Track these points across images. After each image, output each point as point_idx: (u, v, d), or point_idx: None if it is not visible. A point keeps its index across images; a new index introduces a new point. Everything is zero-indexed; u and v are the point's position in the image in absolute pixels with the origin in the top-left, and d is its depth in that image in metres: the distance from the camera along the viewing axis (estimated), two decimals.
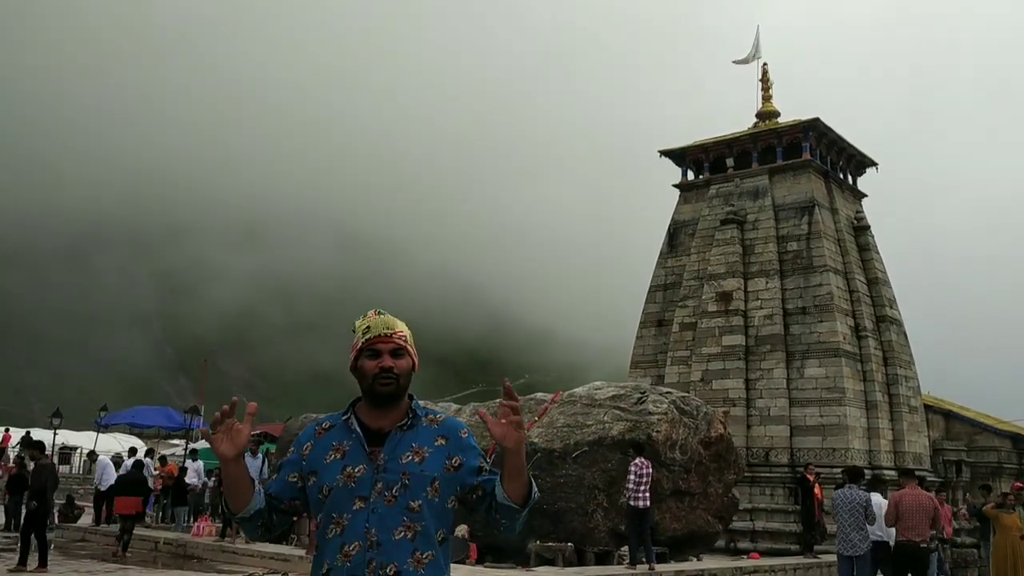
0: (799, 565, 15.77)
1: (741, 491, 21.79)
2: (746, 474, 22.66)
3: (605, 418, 14.98)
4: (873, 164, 29.04)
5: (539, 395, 16.85)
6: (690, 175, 28.53)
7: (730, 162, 27.39)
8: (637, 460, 13.10)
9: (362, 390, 2.89)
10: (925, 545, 11.09)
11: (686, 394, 16.73)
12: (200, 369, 48.48)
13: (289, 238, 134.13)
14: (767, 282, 24.94)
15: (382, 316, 2.92)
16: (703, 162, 28.17)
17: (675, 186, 28.65)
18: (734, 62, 29.60)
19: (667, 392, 15.89)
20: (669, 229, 28.07)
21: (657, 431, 14.58)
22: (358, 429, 2.83)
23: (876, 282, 25.85)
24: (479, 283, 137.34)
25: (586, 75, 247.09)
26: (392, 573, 2.67)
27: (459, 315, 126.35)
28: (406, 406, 2.89)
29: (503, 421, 2.68)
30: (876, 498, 12.70)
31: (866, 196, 28.79)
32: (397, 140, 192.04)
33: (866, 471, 19.07)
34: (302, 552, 13.80)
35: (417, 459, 2.78)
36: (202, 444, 25.45)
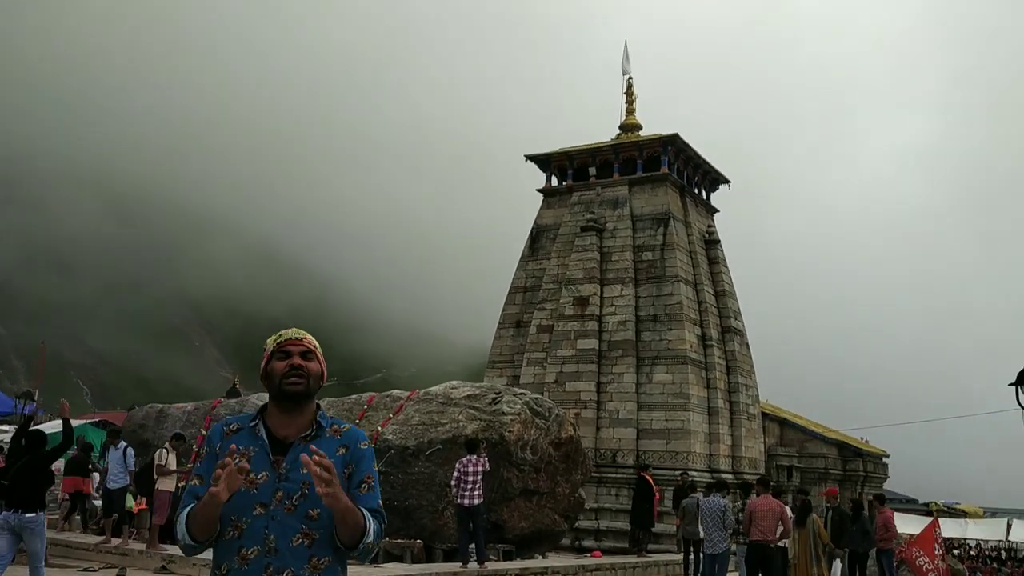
0: (638, 564, 16.41)
1: (588, 491, 22.41)
2: (593, 475, 23.31)
3: (460, 417, 15.16)
4: (726, 181, 30.40)
5: (395, 392, 16.89)
6: (554, 181, 29.13)
7: (592, 171, 28.11)
8: (463, 459, 13.18)
9: (271, 394, 2.95)
10: (774, 545, 12.14)
11: (539, 396, 17.11)
12: (39, 352, 45.67)
13: (53, 197, 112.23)
14: (622, 289, 25.74)
15: (293, 328, 3.06)
16: (567, 169, 28.79)
17: (539, 191, 29.19)
18: (624, 71, 29.48)
19: (521, 393, 16.20)
20: (531, 233, 28.55)
21: (510, 431, 14.86)
22: (264, 437, 2.89)
23: (723, 294, 27.09)
24: (305, 265, 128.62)
25: (448, 72, 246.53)
26: None
27: (279, 296, 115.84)
28: (312, 415, 2.96)
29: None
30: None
31: (718, 211, 30.13)
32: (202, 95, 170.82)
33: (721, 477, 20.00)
34: (143, 546, 13.35)
35: None
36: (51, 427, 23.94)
